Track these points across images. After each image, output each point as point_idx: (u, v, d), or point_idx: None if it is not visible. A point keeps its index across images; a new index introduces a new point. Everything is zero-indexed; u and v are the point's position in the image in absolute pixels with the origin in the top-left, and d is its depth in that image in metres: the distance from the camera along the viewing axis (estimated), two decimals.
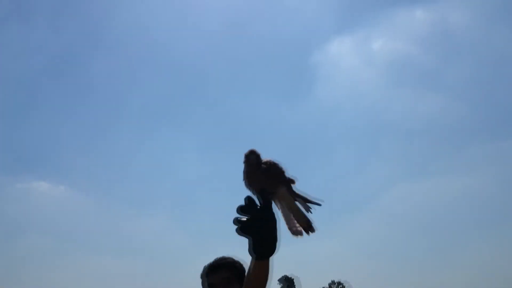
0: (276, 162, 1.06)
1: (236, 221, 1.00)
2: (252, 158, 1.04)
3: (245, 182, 1.05)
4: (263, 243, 1.00)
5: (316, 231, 1.08)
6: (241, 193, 1.03)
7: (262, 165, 1.04)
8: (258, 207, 1.02)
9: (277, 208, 1.07)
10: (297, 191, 1.07)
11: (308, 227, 1.07)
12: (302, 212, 1.07)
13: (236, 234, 1.01)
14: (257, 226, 1.00)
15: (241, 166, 1.05)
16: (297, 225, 1.07)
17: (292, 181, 1.07)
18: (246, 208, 1.01)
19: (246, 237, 1.01)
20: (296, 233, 1.07)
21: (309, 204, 1.07)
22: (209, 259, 1.42)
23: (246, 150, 1.05)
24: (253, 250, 1.01)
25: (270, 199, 1.03)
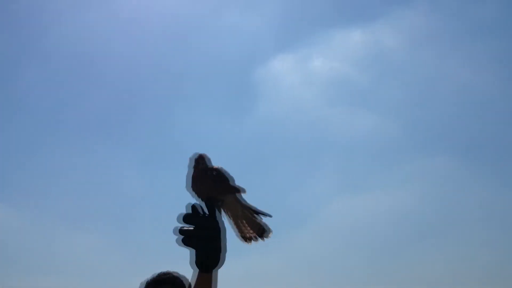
0: (225, 169, 0.99)
1: (181, 231, 0.92)
2: (200, 163, 0.97)
3: (191, 188, 0.97)
4: (208, 254, 0.92)
5: (271, 234, 1.01)
6: (181, 209, 0.96)
7: (210, 171, 0.97)
8: (203, 215, 0.94)
9: (224, 217, 1.00)
10: (245, 202, 0.99)
11: (262, 232, 1.00)
12: (252, 219, 1.00)
13: (176, 245, 0.92)
14: (202, 236, 0.92)
15: (182, 181, 0.99)
16: (251, 231, 1.01)
17: (240, 190, 0.98)
18: (190, 217, 0.93)
19: (189, 248, 0.92)
20: (246, 239, 1.01)
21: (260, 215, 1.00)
22: (147, 276, 1.34)
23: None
24: (197, 262, 0.92)
25: (216, 207, 0.96)
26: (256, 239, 1.01)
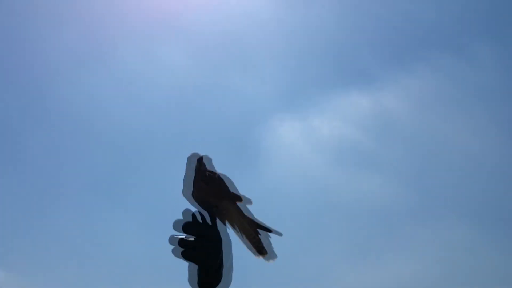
0: (228, 177, 0.88)
1: (181, 242, 0.79)
2: (193, 161, 0.86)
3: (187, 193, 0.85)
4: (209, 270, 0.80)
5: (275, 259, 0.88)
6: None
7: (207, 173, 0.86)
8: (206, 224, 0.82)
9: (229, 229, 0.88)
10: (250, 214, 0.88)
11: (259, 249, 0.88)
12: (252, 234, 0.87)
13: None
14: (203, 249, 0.80)
15: None
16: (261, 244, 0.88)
17: (239, 198, 0.87)
18: (191, 225, 0.80)
19: (189, 262, 0.81)
20: (259, 252, 0.88)
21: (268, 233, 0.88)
22: None
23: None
24: (198, 281, 0.80)
25: (214, 214, 0.84)
26: (257, 255, 0.88)
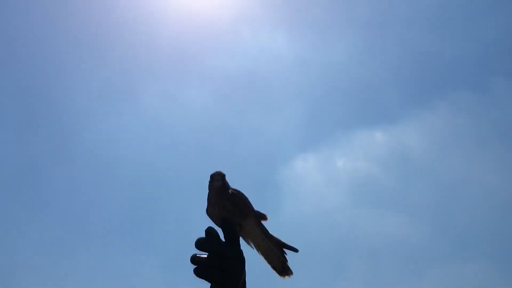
0: (244, 194, 0.88)
1: (193, 259, 0.77)
2: (216, 180, 0.87)
3: (207, 210, 0.86)
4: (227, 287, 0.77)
5: (291, 275, 0.88)
6: None
7: (229, 191, 0.86)
8: (219, 241, 0.80)
9: (249, 246, 0.88)
10: (268, 231, 0.88)
11: (283, 269, 0.88)
12: (275, 251, 0.88)
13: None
14: (217, 267, 0.77)
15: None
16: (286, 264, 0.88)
17: (263, 216, 0.88)
18: (204, 242, 0.78)
19: (203, 280, 0.78)
20: (284, 272, 0.88)
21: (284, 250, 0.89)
22: None
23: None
24: None
25: (235, 231, 0.82)
26: (282, 275, 0.88)
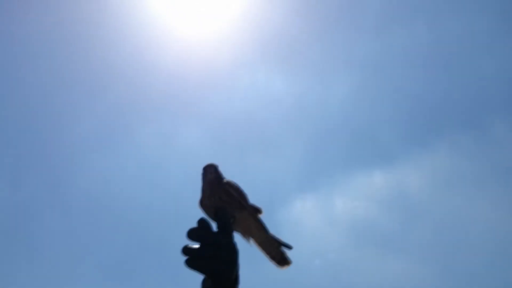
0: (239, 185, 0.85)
1: (184, 250, 0.73)
2: (209, 172, 0.84)
3: (201, 202, 0.83)
4: (220, 280, 0.73)
5: (290, 264, 0.85)
6: None
7: (224, 181, 0.83)
8: (211, 231, 0.76)
9: (244, 239, 0.85)
10: (263, 224, 0.84)
11: (282, 260, 0.84)
12: (272, 241, 0.84)
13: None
14: (210, 256, 0.73)
15: None
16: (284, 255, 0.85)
17: (259, 210, 0.84)
18: (196, 231, 0.74)
19: (196, 272, 0.73)
20: (283, 261, 0.84)
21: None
22: None
23: None
24: None
25: (229, 222, 0.78)
26: (280, 266, 0.85)
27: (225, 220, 0.78)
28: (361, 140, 9.42)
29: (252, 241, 0.85)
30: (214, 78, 7.81)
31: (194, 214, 0.77)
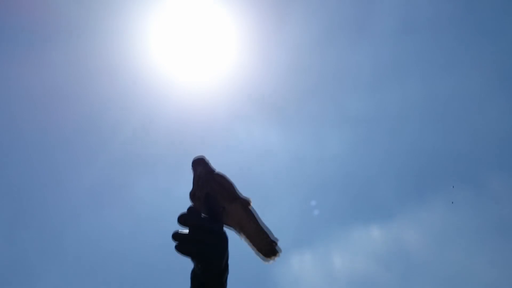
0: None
1: (175, 235, 0.73)
2: (198, 163, 0.83)
3: (193, 193, 0.82)
4: (210, 266, 0.74)
5: (280, 254, 0.84)
6: None
7: (215, 173, 0.83)
8: (203, 217, 0.76)
9: (232, 230, 0.84)
10: (254, 216, 0.83)
11: (271, 250, 0.83)
12: (262, 233, 0.82)
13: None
14: (200, 241, 0.74)
15: None
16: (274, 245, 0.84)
17: (248, 201, 0.83)
18: (186, 217, 0.74)
19: (186, 257, 0.75)
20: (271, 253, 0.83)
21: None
22: None
23: None
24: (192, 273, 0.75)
25: (218, 209, 0.79)
26: (267, 259, 0.83)
27: (215, 207, 0.78)
28: (358, 195, 9.39)
29: (241, 233, 0.84)
30: (210, 132, 7.88)
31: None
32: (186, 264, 0.76)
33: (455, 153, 8.66)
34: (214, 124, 7.74)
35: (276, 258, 0.84)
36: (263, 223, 0.84)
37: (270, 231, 0.84)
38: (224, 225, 0.80)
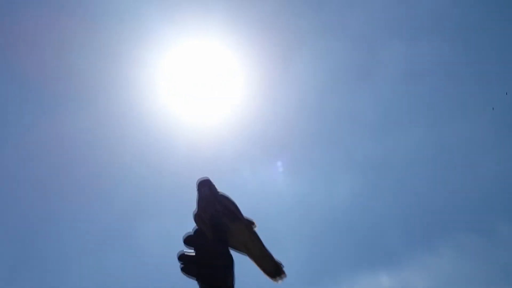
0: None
1: (181, 256, 0.75)
2: (203, 184, 0.83)
3: (197, 215, 0.81)
4: (215, 287, 0.74)
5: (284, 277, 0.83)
6: None
7: (219, 194, 0.83)
8: (208, 239, 0.78)
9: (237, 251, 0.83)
10: (257, 237, 0.83)
11: (277, 271, 0.82)
12: (267, 253, 0.82)
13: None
14: (206, 263, 0.74)
15: None
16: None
17: (253, 223, 0.82)
18: (192, 238, 0.76)
19: (191, 278, 0.75)
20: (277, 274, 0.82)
21: None
22: None
23: None
24: None
25: (224, 231, 0.80)
26: (274, 279, 0.82)
27: (221, 229, 0.79)
28: (365, 241, 9.25)
29: (247, 254, 0.83)
30: (216, 174, 7.87)
31: None
32: (192, 286, 0.75)
33: (464, 199, 8.58)
34: (219, 164, 7.74)
35: (284, 278, 0.83)
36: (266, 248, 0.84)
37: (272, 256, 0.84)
38: (230, 247, 0.80)
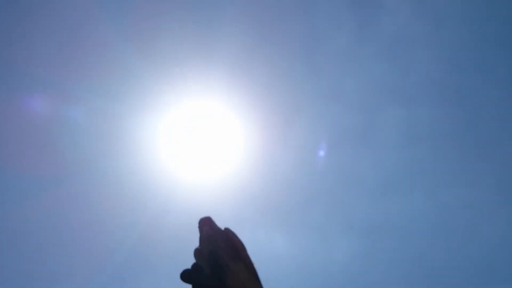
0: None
1: None
2: (205, 223, 0.83)
3: (198, 251, 0.81)
4: None
5: None
6: None
7: (223, 229, 0.83)
8: (205, 275, 0.77)
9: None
10: (258, 278, 0.82)
11: None
12: None
13: None
14: None
15: None
16: None
17: (252, 265, 0.82)
18: (189, 274, 0.76)
19: None
20: None
21: None
22: None
23: None
24: None
25: (222, 267, 0.78)
26: None
27: (218, 265, 0.77)
28: None
29: None
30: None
31: None
32: None
33: (463, 264, 8.41)
34: (219, 224, 7.64)
35: None
36: None
37: None
38: (228, 285, 0.78)
